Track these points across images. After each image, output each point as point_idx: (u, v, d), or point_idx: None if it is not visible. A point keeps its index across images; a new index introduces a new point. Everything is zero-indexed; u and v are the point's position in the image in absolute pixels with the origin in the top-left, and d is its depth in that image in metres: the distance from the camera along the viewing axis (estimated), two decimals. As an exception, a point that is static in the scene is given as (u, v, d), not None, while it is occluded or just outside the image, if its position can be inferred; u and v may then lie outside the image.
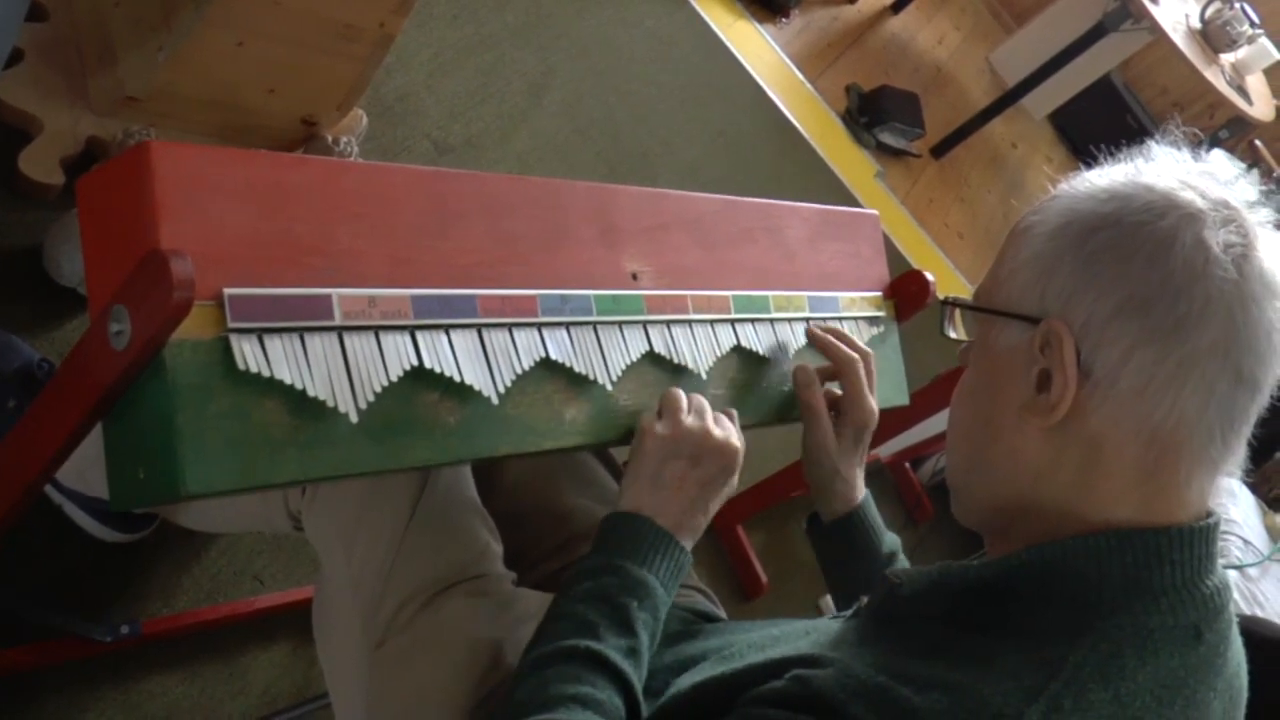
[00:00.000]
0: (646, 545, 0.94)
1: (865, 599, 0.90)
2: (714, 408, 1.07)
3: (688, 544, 0.97)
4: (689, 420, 0.99)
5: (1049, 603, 0.73)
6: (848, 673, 0.73)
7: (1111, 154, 0.82)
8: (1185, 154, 0.80)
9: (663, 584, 0.93)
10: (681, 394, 1.02)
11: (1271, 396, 0.75)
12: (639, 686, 0.88)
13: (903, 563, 1.19)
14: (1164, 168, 0.77)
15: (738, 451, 1.01)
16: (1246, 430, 0.75)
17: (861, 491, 1.18)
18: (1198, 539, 0.74)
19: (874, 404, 1.17)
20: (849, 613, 0.93)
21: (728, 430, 1.01)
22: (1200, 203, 0.73)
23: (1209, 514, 0.76)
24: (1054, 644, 0.70)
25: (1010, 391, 0.78)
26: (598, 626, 0.88)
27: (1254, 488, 2.59)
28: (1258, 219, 0.75)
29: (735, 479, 1.02)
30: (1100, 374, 0.73)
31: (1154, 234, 0.72)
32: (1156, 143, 0.81)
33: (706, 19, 3.22)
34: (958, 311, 0.90)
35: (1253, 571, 2.19)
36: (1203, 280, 0.70)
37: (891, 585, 0.84)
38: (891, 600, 0.83)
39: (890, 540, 1.19)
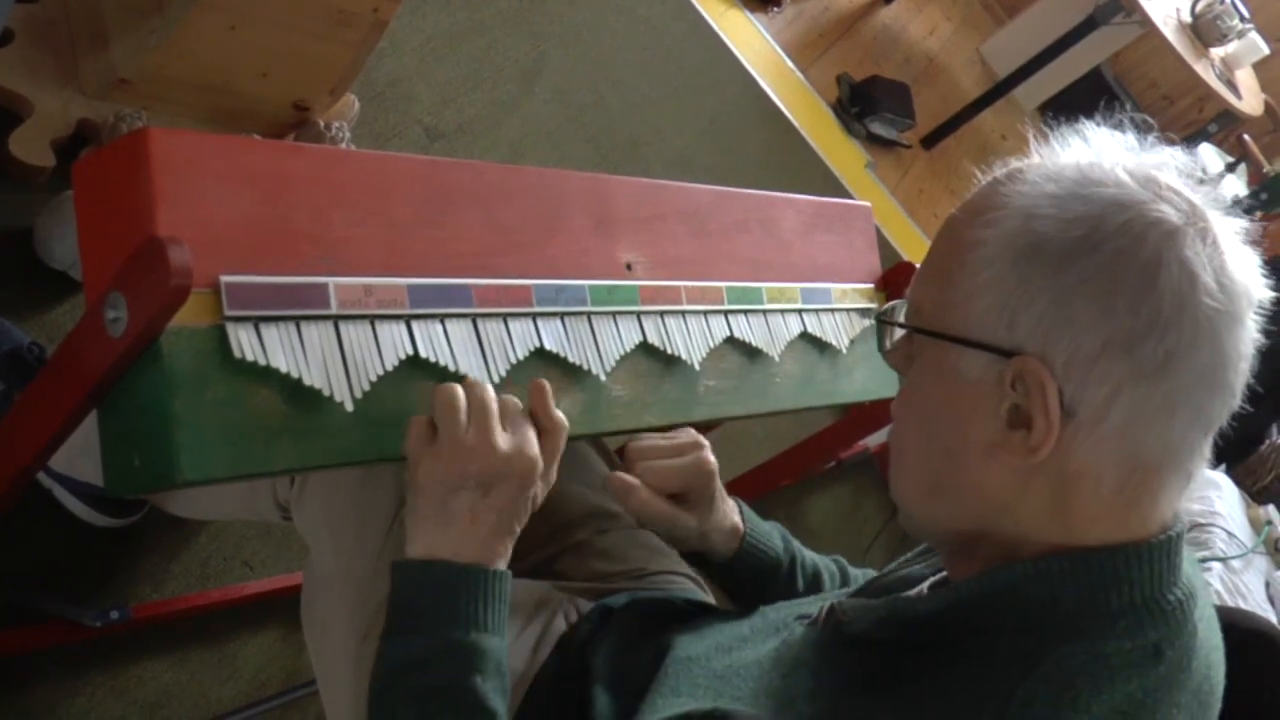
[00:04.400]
0: (463, 599, 0.83)
1: (825, 610, 0.87)
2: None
3: (501, 565, 0.86)
4: (469, 437, 0.83)
5: (1002, 631, 0.71)
6: None
7: (1044, 136, 0.77)
8: (1128, 138, 0.75)
9: (495, 630, 0.85)
10: (458, 397, 0.84)
11: (1252, 392, 0.73)
12: None
13: (799, 552, 1.12)
14: (1113, 162, 0.72)
15: (534, 462, 0.86)
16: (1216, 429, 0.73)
17: (741, 524, 1.06)
18: (1158, 554, 0.71)
19: (693, 456, 1.01)
20: (812, 615, 0.90)
21: (518, 437, 0.85)
22: (1174, 216, 0.68)
23: (1174, 522, 0.74)
24: (1004, 676, 0.67)
25: (975, 424, 0.72)
26: None
27: (1238, 481, 2.61)
28: (1207, 199, 0.71)
29: (541, 486, 0.88)
30: (1085, 414, 0.68)
31: (1136, 262, 0.67)
32: (1095, 125, 0.76)
33: (698, 7, 3.21)
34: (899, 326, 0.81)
35: (1236, 564, 2.20)
36: (1190, 308, 0.67)
37: (839, 621, 0.82)
38: (840, 633, 0.82)
39: (780, 544, 1.10)
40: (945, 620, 0.74)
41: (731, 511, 1.06)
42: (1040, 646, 0.68)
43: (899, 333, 0.81)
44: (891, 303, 0.83)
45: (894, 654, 0.76)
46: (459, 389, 0.84)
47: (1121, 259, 0.67)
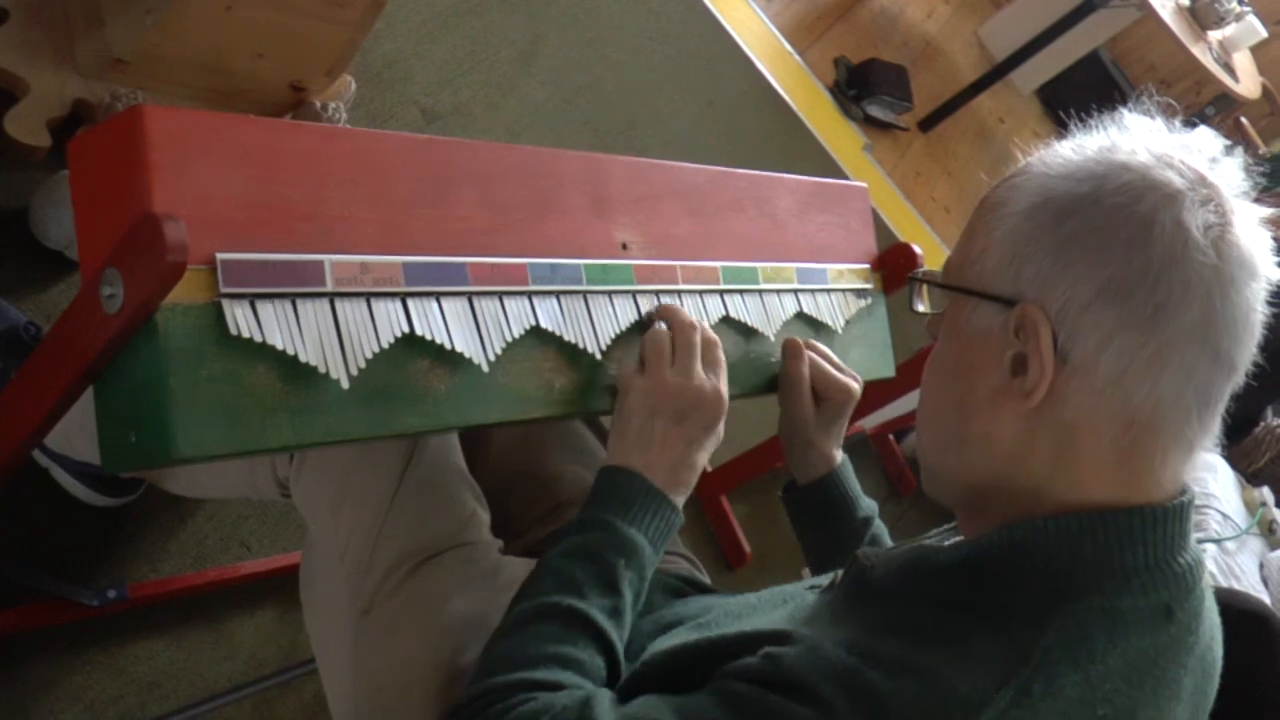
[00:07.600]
0: (637, 503, 0.93)
1: (840, 573, 0.90)
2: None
3: (678, 501, 0.96)
4: (671, 375, 0.97)
5: (1020, 584, 0.73)
6: (818, 652, 0.73)
7: (1084, 121, 0.80)
8: (1159, 123, 0.78)
9: (651, 543, 0.93)
10: (665, 340, 0.99)
11: (1247, 374, 0.75)
12: (620, 646, 0.88)
13: (880, 529, 1.19)
14: (1139, 140, 0.76)
15: (724, 401, 0.99)
16: (1222, 407, 0.75)
17: (837, 460, 1.19)
18: (1171, 518, 0.74)
19: (848, 380, 1.17)
20: (825, 583, 0.93)
21: (715, 378, 1.00)
22: (1178, 182, 0.72)
23: (1183, 491, 0.76)
24: (1024, 627, 0.70)
25: (984, 373, 0.77)
26: (582, 584, 0.88)
27: (1233, 463, 2.62)
28: (1233, 186, 0.74)
29: (721, 429, 1.00)
30: (1078, 360, 0.72)
31: (1132, 217, 0.71)
32: (1130, 111, 0.79)
33: (696, -11, 3.21)
34: (925, 286, 0.88)
35: (1230, 545, 2.21)
36: (1182, 265, 0.69)
37: (863, 567, 0.84)
38: (863, 581, 0.84)
39: (867, 505, 1.19)
40: (965, 571, 0.76)
41: (839, 452, 1.20)
42: (1058, 600, 0.71)
43: (929, 301, 0.87)
44: (925, 268, 0.88)
45: (913, 604, 0.77)
46: (666, 333, 0.99)
47: (1119, 213, 0.71)
